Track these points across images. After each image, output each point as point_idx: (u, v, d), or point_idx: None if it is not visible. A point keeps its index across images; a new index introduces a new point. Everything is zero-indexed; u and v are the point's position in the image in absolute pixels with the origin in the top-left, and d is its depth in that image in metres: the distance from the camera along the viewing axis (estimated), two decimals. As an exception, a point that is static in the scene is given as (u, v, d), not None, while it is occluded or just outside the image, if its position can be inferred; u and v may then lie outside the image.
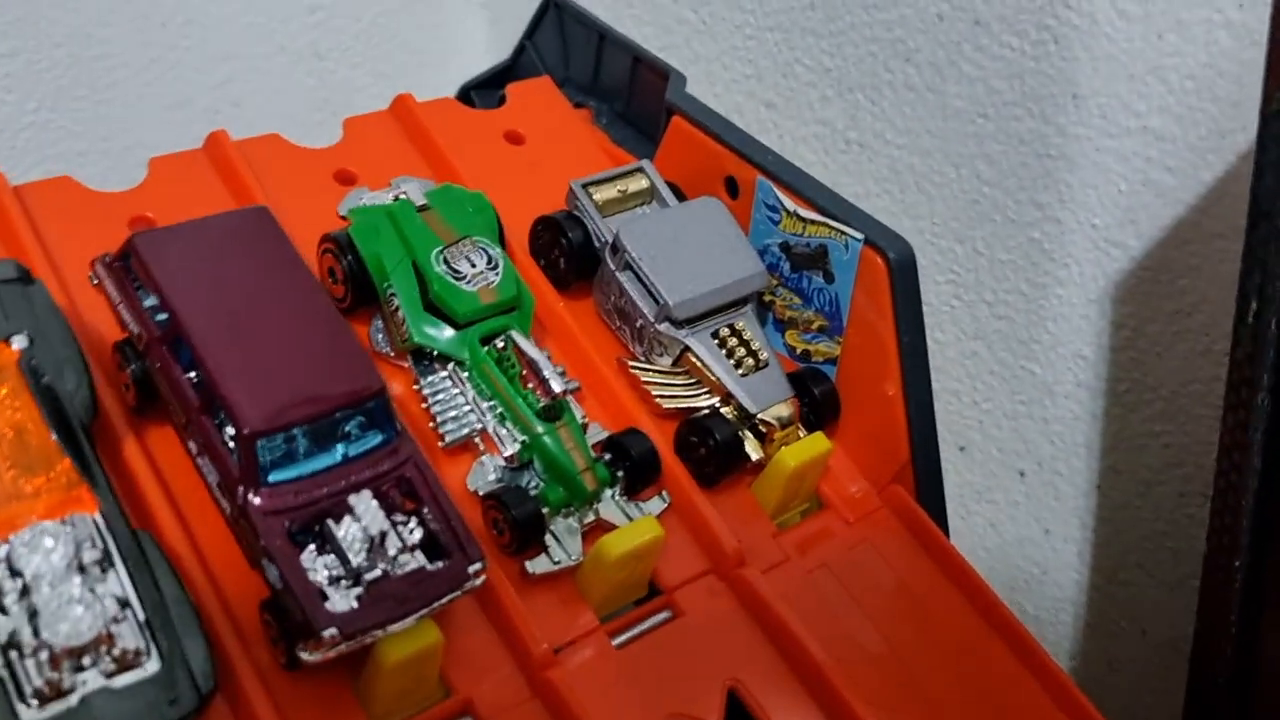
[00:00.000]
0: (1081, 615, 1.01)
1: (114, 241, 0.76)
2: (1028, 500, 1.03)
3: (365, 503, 0.64)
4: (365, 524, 0.63)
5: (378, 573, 0.63)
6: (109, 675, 0.58)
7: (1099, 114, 0.88)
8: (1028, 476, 1.02)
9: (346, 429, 0.67)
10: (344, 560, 0.63)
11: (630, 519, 0.75)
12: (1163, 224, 0.88)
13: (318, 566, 0.63)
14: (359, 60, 1.38)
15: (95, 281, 0.73)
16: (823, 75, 1.05)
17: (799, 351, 0.87)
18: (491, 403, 0.76)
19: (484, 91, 1.10)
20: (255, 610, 0.66)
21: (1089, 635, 1.03)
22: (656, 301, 0.80)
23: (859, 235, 0.81)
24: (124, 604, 0.59)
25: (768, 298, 0.87)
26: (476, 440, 0.76)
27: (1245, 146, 0.82)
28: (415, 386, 0.77)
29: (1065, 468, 0.99)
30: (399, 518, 0.66)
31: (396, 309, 0.77)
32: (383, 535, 0.63)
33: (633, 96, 1.00)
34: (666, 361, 0.82)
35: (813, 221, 0.83)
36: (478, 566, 0.65)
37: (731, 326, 0.82)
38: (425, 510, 0.66)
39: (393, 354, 0.78)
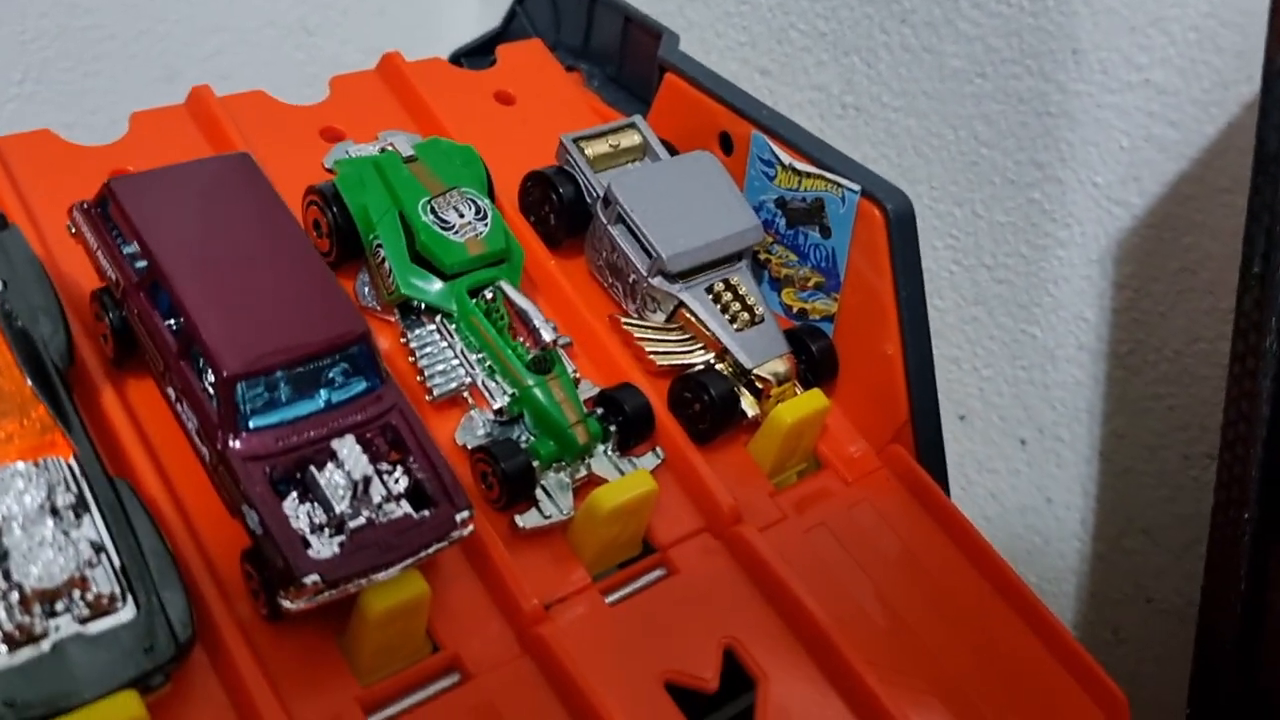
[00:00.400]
0: (1085, 584, 1.00)
1: (93, 193, 0.74)
2: (1029, 468, 1.01)
3: (349, 447, 0.62)
4: (349, 468, 0.61)
5: (361, 520, 0.61)
6: (82, 621, 0.56)
7: (1099, 69, 0.87)
8: (1029, 444, 1.01)
9: (330, 375, 0.65)
10: (327, 507, 0.61)
11: (622, 473, 0.73)
12: (1166, 180, 0.86)
13: (300, 514, 0.61)
14: (348, 35, 1.36)
15: (73, 230, 0.71)
16: (818, 39, 1.04)
17: (795, 310, 0.85)
18: (480, 355, 0.74)
19: (474, 59, 1.08)
20: (236, 561, 0.64)
21: (1093, 604, 1.01)
22: (650, 255, 0.78)
23: (855, 187, 0.79)
24: (99, 549, 0.58)
25: (763, 256, 0.86)
26: (465, 394, 0.74)
27: (1250, 97, 0.81)
28: (402, 340, 0.75)
29: (1067, 434, 0.97)
30: (384, 466, 0.64)
31: (383, 261, 0.75)
32: (366, 481, 0.62)
33: (625, 59, 0.98)
34: (660, 318, 0.81)
35: (809, 175, 0.81)
36: (465, 515, 0.63)
37: (726, 281, 0.80)
38: (411, 459, 0.64)
39: (379, 308, 0.76)
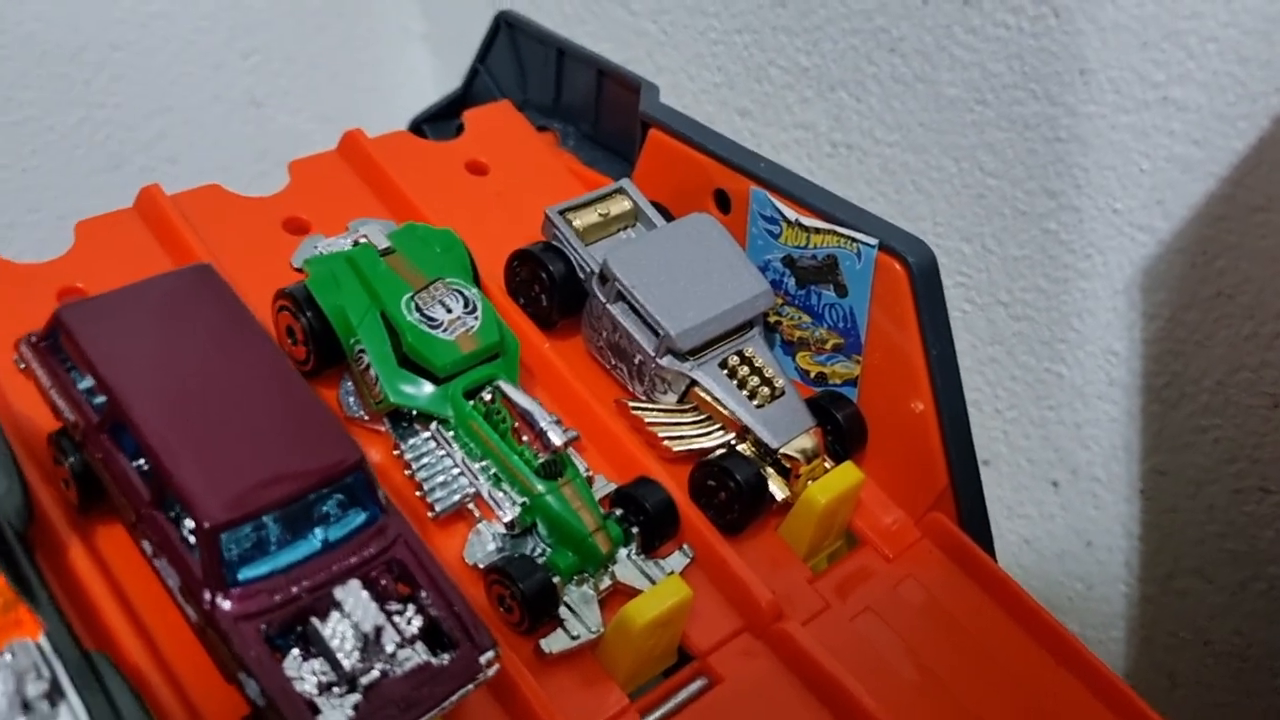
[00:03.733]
0: (1135, 629, 0.94)
1: (42, 318, 0.67)
2: (1064, 512, 0.95)
3: (354, 595, 0.55)
4: (356, 620, 0.54)
5: (375, 674, 0.54)
6: (68, 826, 0.49)
7: (1111, 88, 0.81)
8: (1062, 487, 0.95)
9: (324, 510, 0.58)
10: (334, 664, 0.54)
11: (651, 580, 0.67)
12: (1192, 202, 0.81)
13: (304, 674, 0.54)
14: (299, 104, 1.30)
15: (22, 365, 0.64)
16: (800, 75, 0.98)
17: (814, 375, 0.79)
18: (484, 463, 0.67)
19: (437, 124, 1.02)
20: (236, 728, 0.57)
21: (1145, 650, 0.95)
22: (656, 334, 0.72)
23: (872, 241, 0.73)
24: (80, 742, 0.50)
25: (773, 318, 0.79)
26: (470, 507, 0.67)
27: None
28: (395, 452, 0.68)
29: (1104, 473, 0.92)
30: (393, 606, 0.57)
31: (367, 367, 0.68)
32: (378, 631, 0.55)
33: (600, 114, 0.92)
34: (671, 399, 0.74)
35: (818, 230, 0.75)
36: (490, 655, 0.56)
37: (740, 354, 0.74)
38: (423, 595, 0.57)
39: (367, 418, 0.70)
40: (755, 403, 0.73)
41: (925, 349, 0.73)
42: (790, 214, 0.76)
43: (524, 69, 0.96)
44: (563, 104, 0.94)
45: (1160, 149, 0.81)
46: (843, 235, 0.74)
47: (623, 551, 0.68)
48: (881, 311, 0.74)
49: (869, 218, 0.74)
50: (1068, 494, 0.95)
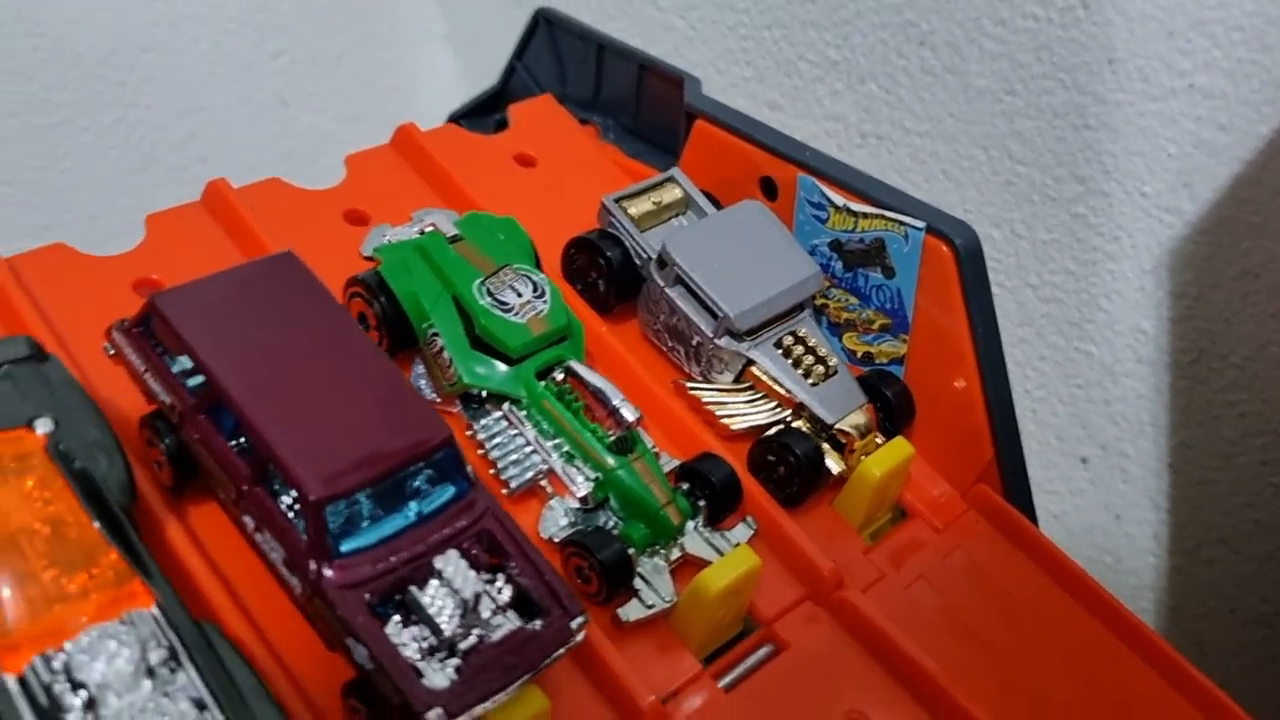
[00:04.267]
0: (1164, 600, 0.97)
1: (120, 309, 0.69)
2: (1093, 487, 0.98)
3: (453, 564, 0.58)
4: (456, 587, 0.57)
5: (473, 640, 0.57)
6: (195, 787, 0.51)
7: (1139, 77, 0.85)
8: (1091, 462, 0.98)
9: (414, 485, 0.60)
10: (435, 630, 0.56)
11: (719, 551, 0.69)
12: (1219, 184, 0.84)
13: (406, 640, 0.56)
14: (324, 104, 1.32)
15: (111, 352, 0.66)
16: (830, 69, 1.01)
17: (860, 355, 0.82)
18: (556, 441, 0.70)
19: (474, 120, 1.04)
20: (334, 698, 0.59)
21: (1174, 620, 0.98)
22: (714, 316, 0.75)
23: (919, 224, 0.76)
24: (201, 706, 0.53)
25: (820, 301, 0.82)
26: (543, 483, 0.70)
27: (1304, 94, 0.79)
28: (468, 433, 0.71)
29: (1132, 449, 0.95)
30: (485, 576, 0.59)
31: (440, 350, 0.70)
32: (476, 597, 0.57)
33: (641, 108, 0.95)
34: (728, 378, 0.77)
35: (865, 215, 0.78)
36: (580, 620, 0.59)
37: (794, 334, 0.77)
38: (512, 565, 0.60)
39: (439, 399, 0.72)
40: (810, 381, 0.75)
41: (971, 327, 0.76)
42: (838, 199, 0.79)
43: (563, 65, 0.99)
44: (602, 99, 0.97)
45: (1187, 134, 0.84)
46: (890, 219, 0.77)
47: (690, 524, 0.70)
48: (928, 292, 0.77)
49: (915, 202, 0.77)
50: (1097, 469, 0.98)
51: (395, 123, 0.89)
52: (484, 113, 1.04)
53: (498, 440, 0.70)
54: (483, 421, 0.71)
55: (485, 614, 0.58)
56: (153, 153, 1.21)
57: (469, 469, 0.62)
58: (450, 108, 1.04)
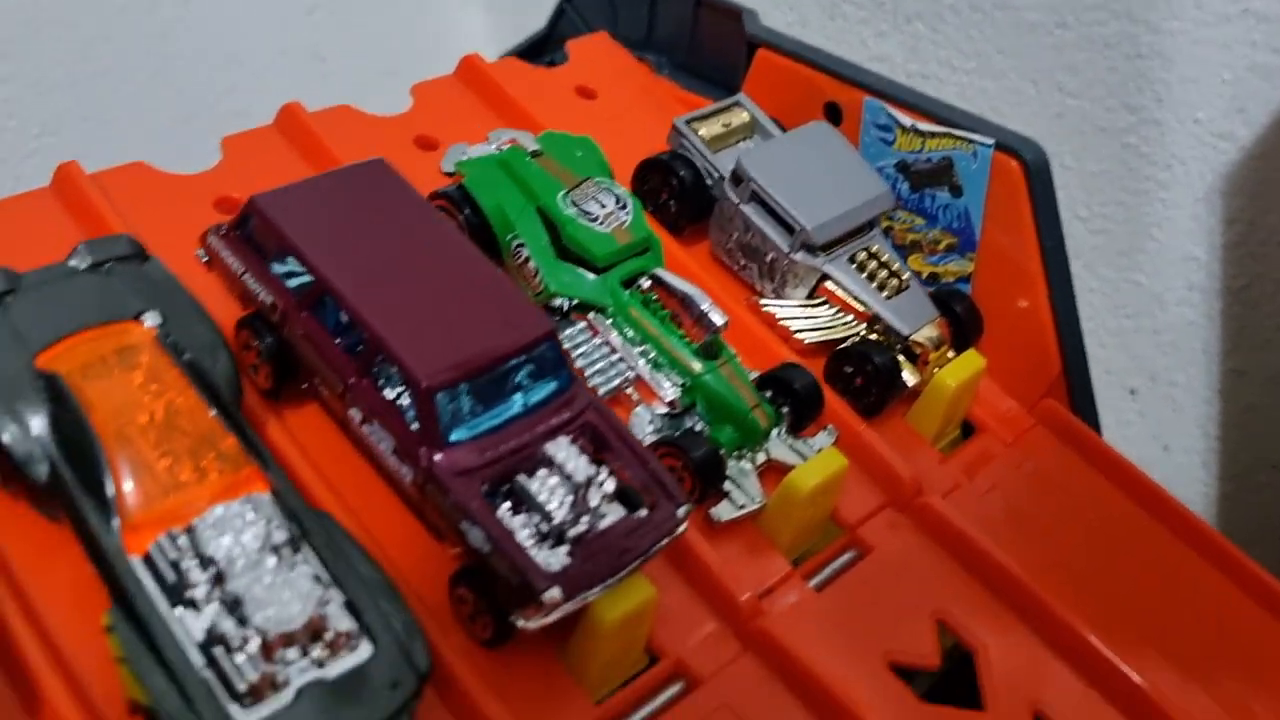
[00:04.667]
0: (1215, 527, 0.98)
1: (201, 223, 0.70)
2: (1142, 418, 1.00)
3: (565, 449, 0.58)
4: (569, 471, 0.57)
5: (582, 527, 0.57)
6: (320, 664, 0.51)
7: (1193, 4, 0.86)
8: (1140, 393, 0.99)
9: (518, 380, 0.61)
10: (545, 516, 0.57)
11: (803, 456, 0.70)
12: (1273, 108, 0.85)
13: (516, 527, 0.57)
14: (360, 59, 1.32)
15: (205, 259, 0.67)
16: (875, 10, 1.02)
17: (925, 275, 0.83)
18: (643, 348, 0.70)
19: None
20: (439, 590, 0.59)
21: (1224, 548, 1.00)
22: (790, 230, 0.76)
23: (989, 141, 0.77)
24: (325, 585, 0.53)
25: (885, 224, 0.83)
26: (629, 391, 0.71)
27: (1360, 13, 0.80)
28: (553, 343, 0.71)
29: (1182, 377, 0.96)
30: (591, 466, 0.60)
31: (526, 260, 0.71)
32: (587, 483, 0.58)
33: (695, 44, 0.95)
34: (801, 294, 0.78)
35: (933, 135, 0.79)
36: (685, 509, 0.59)
37: (867, 249, 0.78)
38: (615, 458, 0.61)
39: (523, 311, 0.72)
40: (884, 294, 0.76)
41: (1040, 242, 0.77)
42: (906, 120, 0.80)
43: (615, 5, 1.00)
44: (656, 37, 0.98)
45: (1242, 59, 0.85)
46: (959, 137, 0.78)
47: (773, 431, 0.71)
48: (996, 209, 0.78)
49: (983, 121, 0.78)
50: (1145, 400, 0.99)
51: (428, 76, 0.90)
52: (532, 56, 1.04)
53: (582, 349, 0.71)
54: (567, 332, 0.71)
55: (594, 501, 0.58)
56: (192, 104, 1.22)
57: (570, 365, 0.63)
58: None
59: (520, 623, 0.56)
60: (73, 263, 0.61)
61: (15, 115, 1.10)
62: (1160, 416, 0.99)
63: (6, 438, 0.54)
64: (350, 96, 0.88)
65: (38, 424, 0.55)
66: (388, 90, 0.90)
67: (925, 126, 0.79)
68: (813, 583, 0.68)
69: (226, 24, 1.22)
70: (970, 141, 0.77)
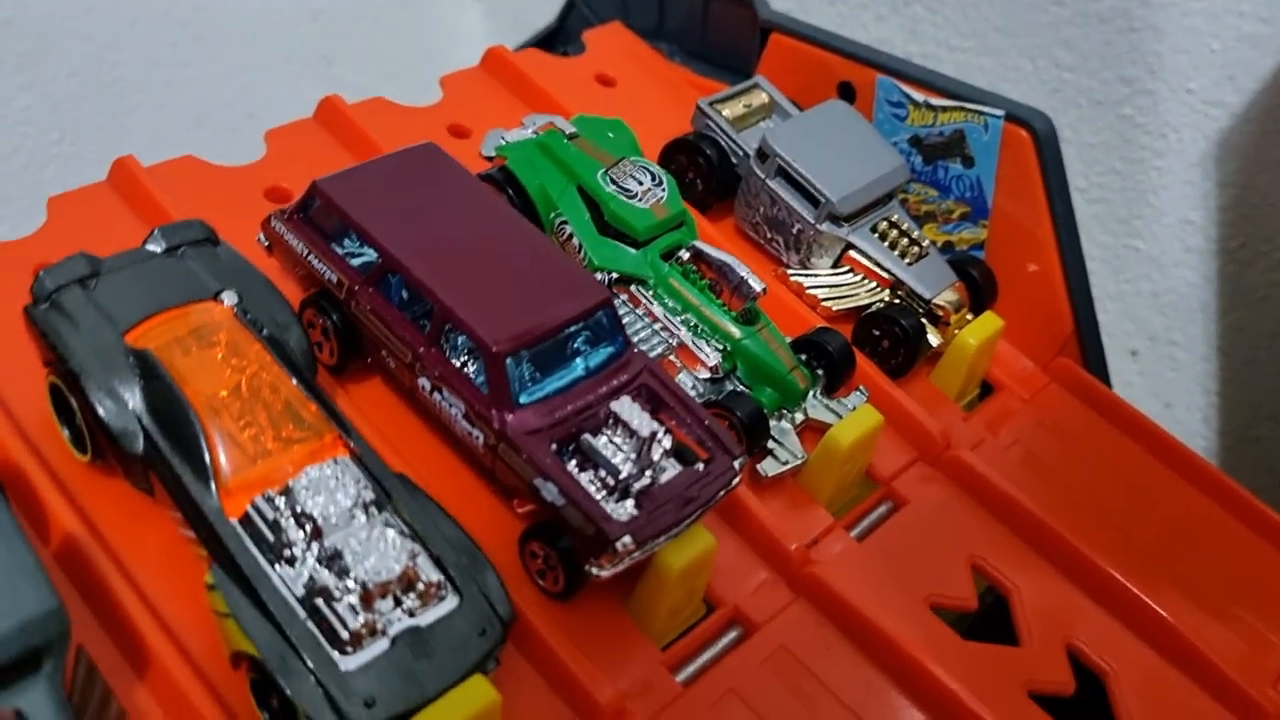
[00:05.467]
0: (1219, 477, 1.03)
1: (253, 211, 0.73)
2: (1143, 378, 1.04)
3: (627, 407, 0.61)
4: (635, 427, 0.61)
5: (646, 481, 0.61)
6: (412, 613, 0.54)
7: (1183, -22, 0.90)
8: (1140, 354, 1.04)
9: (577, 346, 0.64)
10: (612, 471, 0.60)
11: (838, 415, 0.74)
12: (1262, 75, 0.90)
13: (584, 482, 0.60)
14: (365, 62, 1.35)
15: (266, 244, 0.70)
16: (874, -5, 1.06)
17: (940, 245, 0.87)
18: (684, 316, 0.74)
19: (533, 57, 1.08)
20: (508, 548, 0.63)
21: (1225, 498, 1.04)
22: (816, 202, 0.79)
23: (999, 113, 0.81)
24: (414, 540, 0.56)
25: (899, 195, 0.87)
26: (672, 358, 0.74)
27: (1341, -18, 0.85)
28: (597, 315, 0.75)
29: (1181, 336, 1.01)
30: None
31: (569, 236, 0.74)
32: (650, 438, 0.61)
33: (707, 30, 0.99)
34: (826, 264, 0.81)
35: (945, 109, 0.83)
36: (741, 461, 0.63)
37: (888, 219, 0.81)
38: (672, 415, 0.64)
39: (566, 286, 0.76)
40: (906, 261, 0.80)
41: (1050, 206, 0.81)
42: (918, 96, 0.84)
43: (626, -2, 1.03)
44: (667, 26, 1.01)
45: (1230, 29, 0.90)
46: (970, 110, 0.82)
47: (809, 392, 0.74)
48: (1007, 177, 0.82)
49: (991, 95, 0.82)
50: (1146, 360, 1.03)
51: (433, 78, 0.93)
52: (545, 48, 1.07)
53: (626, 320, 0.74)
54: (611, 304, 0.75)
55: (656, 456, 0.61)
56: (203, 110, 1.24)
57: (625, 330, 0.66)
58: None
59: (595, 571, 0.59)
60: (149, 247, 0.64)
61: (34, 123, 1.13)
62: (1161, 375, 1.03)
63: (104, 413, 0.57)
64: (357, 98, 0.91)
65: (132, 399, 0.58)
66: (395, 89, 0.94)
67: (937, 101, 0.83)
68: (854, 533, 0.72)
69: (235, 31, 1.25)
70: (981, 114, 0.81)
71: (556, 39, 1.07)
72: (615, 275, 0.74)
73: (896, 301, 0.80)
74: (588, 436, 0.62)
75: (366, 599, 0.53)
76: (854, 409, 0.74)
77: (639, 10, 1.03)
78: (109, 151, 1.20)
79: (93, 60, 1.16)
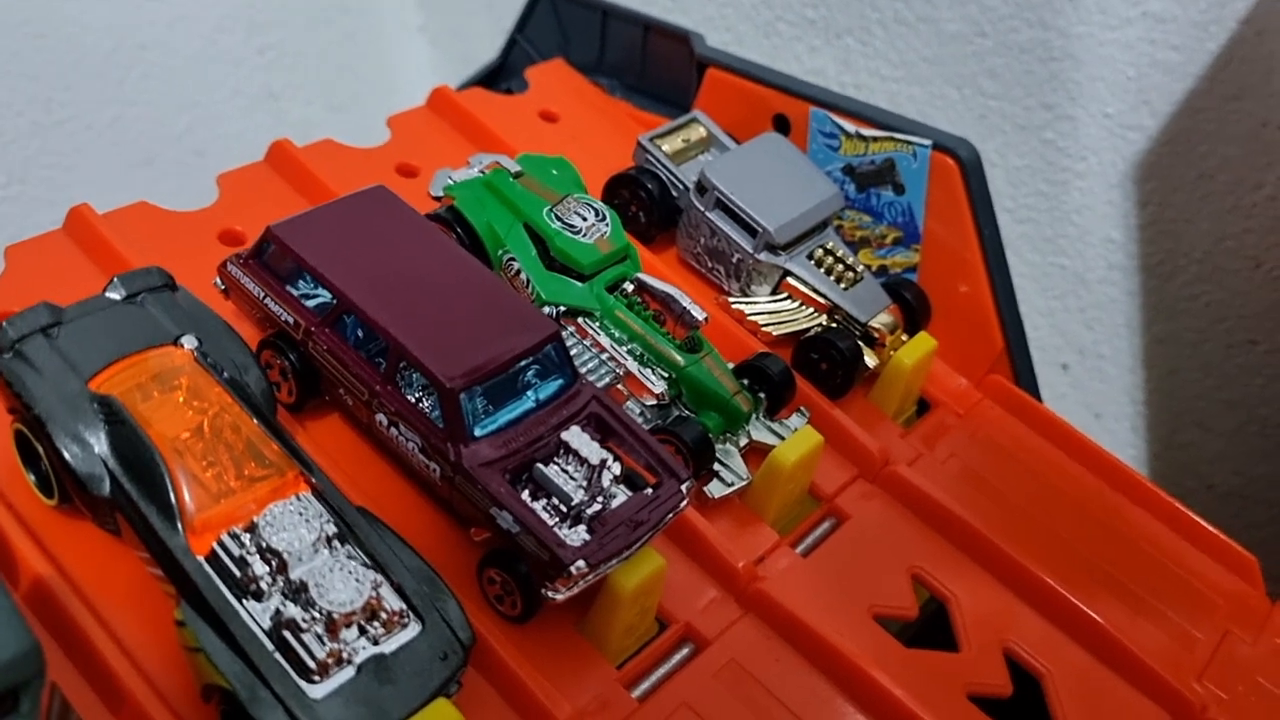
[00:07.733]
0: (1146, 485, 1.07)
1: (207, 255, 0.75)
2: (1074, 390, 1.08)
3: (578, 437, 0.64)
4: (585, 455, 0.63)
5: (597, 507, 0.63)
6: (376, 641, 0.57)
7: (1097, 9, 0.95)
8: (1071, 368, 1.08)
9: (527, 378, 0.67)
10: (564, 499, 0.63)
11: (781, 437, 0.77)
12: (1175, 99, 0.94)
13: (537, 510, 0.63)
14: (312, 95, 1.37)
15: (222, 287, 0.72)
16: (807, 28, 1.10)
17: (875, 269, 0.90)
18: (630, 346, 0.77)
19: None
20: (468, 577, 0.65)
21: (1155, 503, 1.09)
22: (753, 233, 0.83)
23: (926, 142, 0.85)
24: (375, 570, 0.59)
25: (835, 223, 0.90)
26: (619, 387, 0.77)
27: (1244, 12, 0.90)
28: (546, 347, 0.77)
29: (1109, 349, 1.05)
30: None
31: (518, 272, 0.77)
32: (602, 464, 0.63)
33: (646, 65, 1.02)
34: (765, 291, 0.85)
35: (876, 138, 0.87)
36: (688, 484, 0.66)
37: (823, 247, 0.85)
38: (621, 444, 0.67)
39: (516, 320, 0.78)
40: (842, 286, 0.83)
41: (978, 230, 0.85)
42: (850, 127, 0.88)
43: (567, 34, 1.06)
44: (607, 61, 1.04)
45: (1144, 57, 0.94)
46: (899, 140, 0.86)
47: (752, 415, 0.78)
48: (936, 203, 0.86)
49: (919, 125, 0.86)
50: (1076, 373, 1.08)
51: (380, 112, 0.95)
52: (487, 86, 1.10)
53: (574, 351, 0.77)
54: (558, 336, 0.78)
55: (606, 482, 0.64)
56: (152, 147, 1.26)
57: (574, 363, 0.69)
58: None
59: (551, 595, 0.61)
60: (110, 295, 0.65)
61: (-17, 165, 1.14)
62: (1091, 387, 1.07)
63: (71, 458, 0.59)
64: (302, 132, 0.93)
65: (98, 444, 0.60)
66: (342, 122, 0.96)
67: (868, 132, 0.87)
68: (799, 549, 0.75)
69: (181, 68, 1.26)
70: (910, 143, 0.85)
71: (499, 75, 1.10)
72: (563, 308, 0.77)
73: (834, 325, 0.83)
74: (540, 466, 0.64)
75: (332, 629, 0.56)
76: (795, 430, 0.77)
77: (580, 46, 1.06)
78: (59, 193, 1.22)
79: (40, 100, 1.17)
